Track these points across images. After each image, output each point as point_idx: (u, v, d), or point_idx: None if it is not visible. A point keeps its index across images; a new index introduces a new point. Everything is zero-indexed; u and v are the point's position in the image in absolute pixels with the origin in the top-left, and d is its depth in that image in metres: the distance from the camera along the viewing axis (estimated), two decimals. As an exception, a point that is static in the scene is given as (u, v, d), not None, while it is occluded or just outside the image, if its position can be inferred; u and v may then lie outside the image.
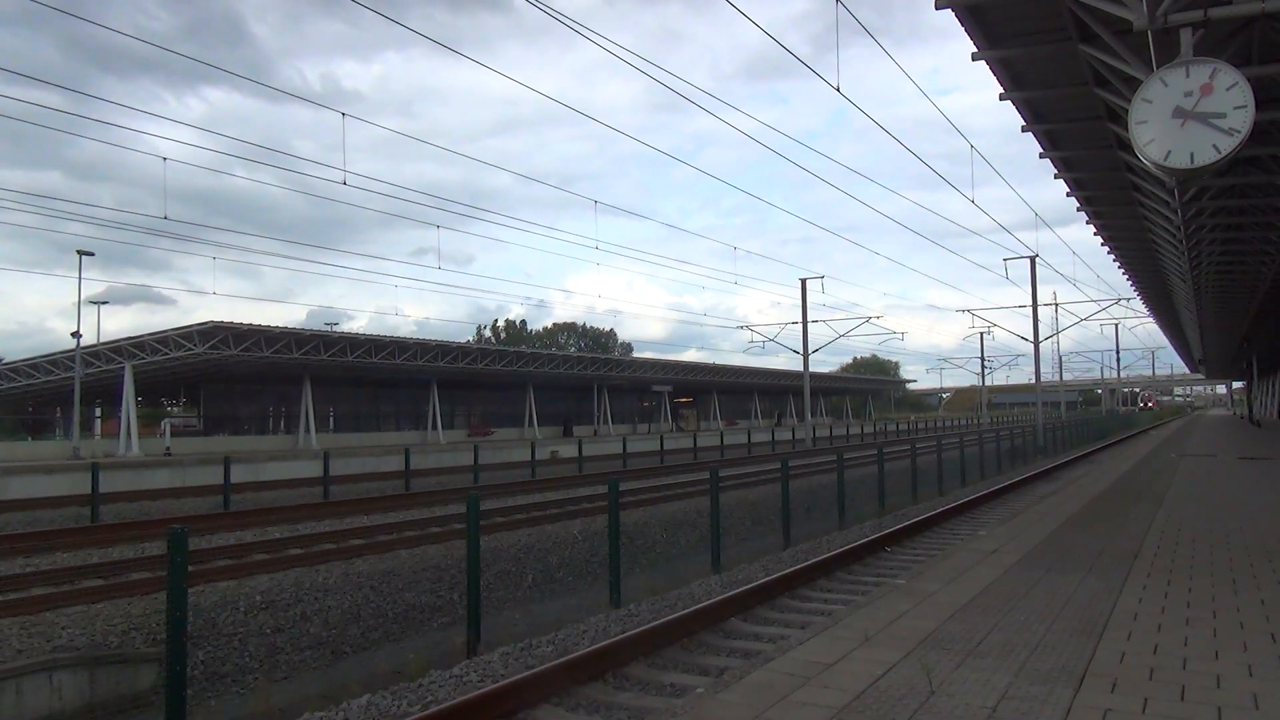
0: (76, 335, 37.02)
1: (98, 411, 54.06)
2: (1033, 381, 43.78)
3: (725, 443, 43.56)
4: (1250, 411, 66.48)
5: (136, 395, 40.14)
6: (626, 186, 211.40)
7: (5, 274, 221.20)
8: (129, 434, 37.82)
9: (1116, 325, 66.31)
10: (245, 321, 37.66)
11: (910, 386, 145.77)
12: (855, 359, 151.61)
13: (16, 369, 47.09)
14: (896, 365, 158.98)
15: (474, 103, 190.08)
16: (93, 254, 37.21)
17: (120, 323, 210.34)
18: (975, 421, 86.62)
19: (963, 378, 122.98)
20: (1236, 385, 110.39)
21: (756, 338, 49.09)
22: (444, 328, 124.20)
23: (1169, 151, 6.71)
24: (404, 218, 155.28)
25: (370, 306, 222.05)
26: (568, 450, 37.06)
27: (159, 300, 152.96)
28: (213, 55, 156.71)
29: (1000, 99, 12.01)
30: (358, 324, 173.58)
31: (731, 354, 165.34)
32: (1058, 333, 54.62)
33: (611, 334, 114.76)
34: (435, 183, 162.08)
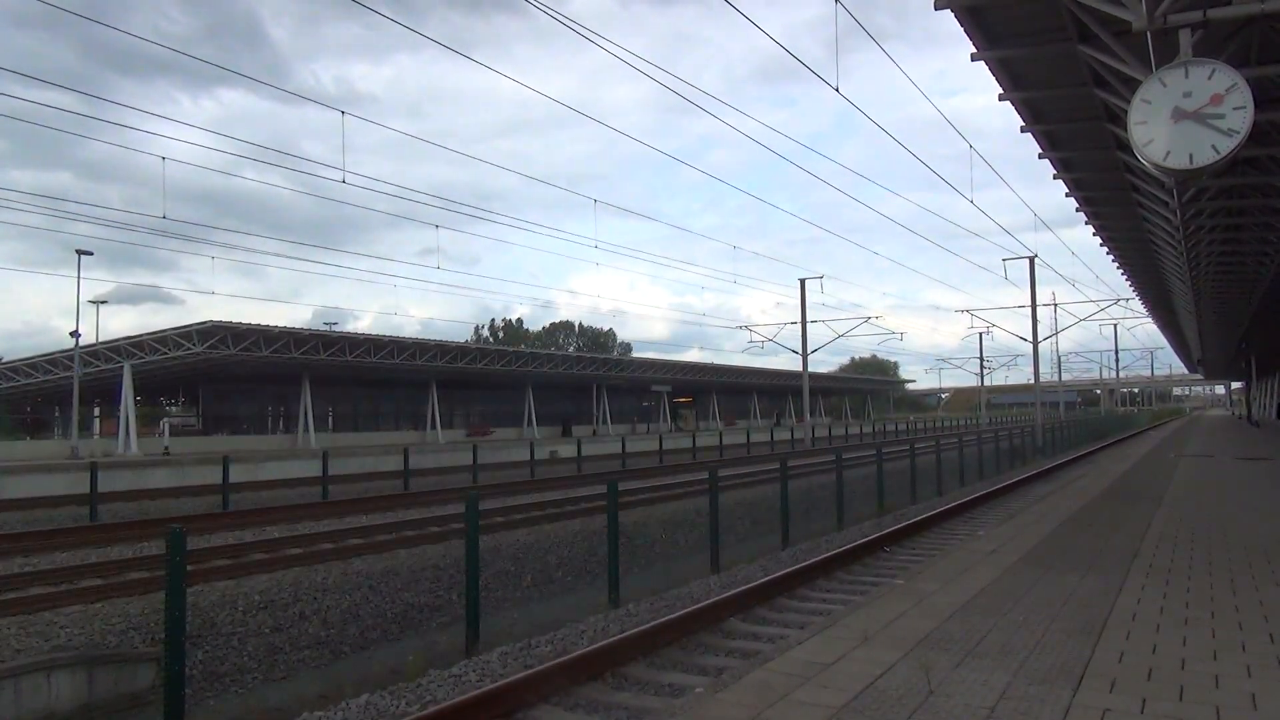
0: (75, 335, 37.03)
1: (96, 411, 54.05)
2: (1032, 382, 43.81)
3: (724, 443, 43.58)
4: (1249, 412, 66.52)
5: (135, 395, 40.13)
6: (633, 188, 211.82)
7: (11, 274, 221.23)
8: (128, 433, 37.80)
9: (1115, 326, 66.46)
10: (245, 321, 37.69)
11: (909, 387, 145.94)
12: (855, 359, 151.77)
13: (15, 368, 47.06)
14: (896, 365, 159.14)
15: (485, 104, 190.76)
16: (91, 254, 37.13)
17: (128, 322, 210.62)
18: (974, 422, 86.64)
19: (962, 378, 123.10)
20: (1236, 385, 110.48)
21: (756, 338, 49.13)
22: (448, 328, 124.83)
23: (1168, 152, 6.71)
24: (409, 218, 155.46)
25: (375, 306, 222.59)
26: (567, 450, 37.06)
27: (167, 300, 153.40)
28: (231, 57, 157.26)
29: (1000, 99, 12.01)
30: (362, 324, 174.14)
31: (733, 354, 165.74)
32: (1056, 333, 54.68)
33: (610, 333, 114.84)
34: (443, 184, 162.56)
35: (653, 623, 7.69)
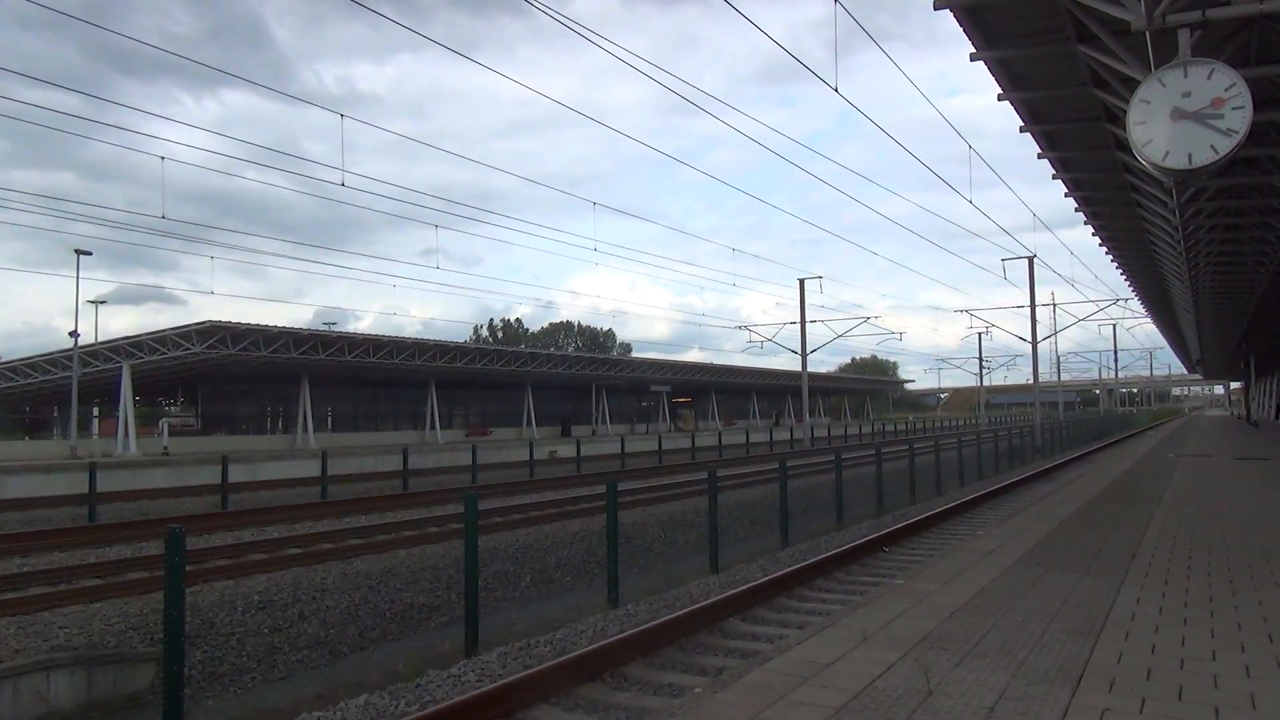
0: (74, 335, 37.01)
1: (96, 411, 54.00)
2: (1031, 382, 43.83)
3: (723, 443, 43.59)
4: (1248, 412, 66.55)
5: (134, 395, 40.10)
6: (634, 188, 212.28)
7: (14, 274, 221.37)
8: (127, 433, 37.77)
9: (1114, 326, 66.61)
10: (244, 321, 37.67)
11: (909, 387, 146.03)
12: (854, 359, 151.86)
13: (14, 368, 47.01)
14: (895, 365, 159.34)
15: (487, 104, 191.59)
16: (90, 253, 37.12)
17: (130, 322, 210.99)
18: (974, 422, 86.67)
19: (961, 378, 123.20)
20: (1234, 385, 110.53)
21: (756, 338, 49.13)
22: (448, 328, 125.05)
23: (1167, 152, 6.71)
24: (410, 219, 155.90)
25: (376, 307, 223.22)
26: (566, 450, 37.05)
27: (169, 300, 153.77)
28: (235, 58, 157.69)
29: (999, 99, 12.01)
30: (363, 324, 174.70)
31: (734, 354, 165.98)
32: (1055, 333, 54.70)
33: (610, 334, 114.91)
34: (444, 184, 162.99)
35: (652, 623, 7.69)
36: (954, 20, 9.87)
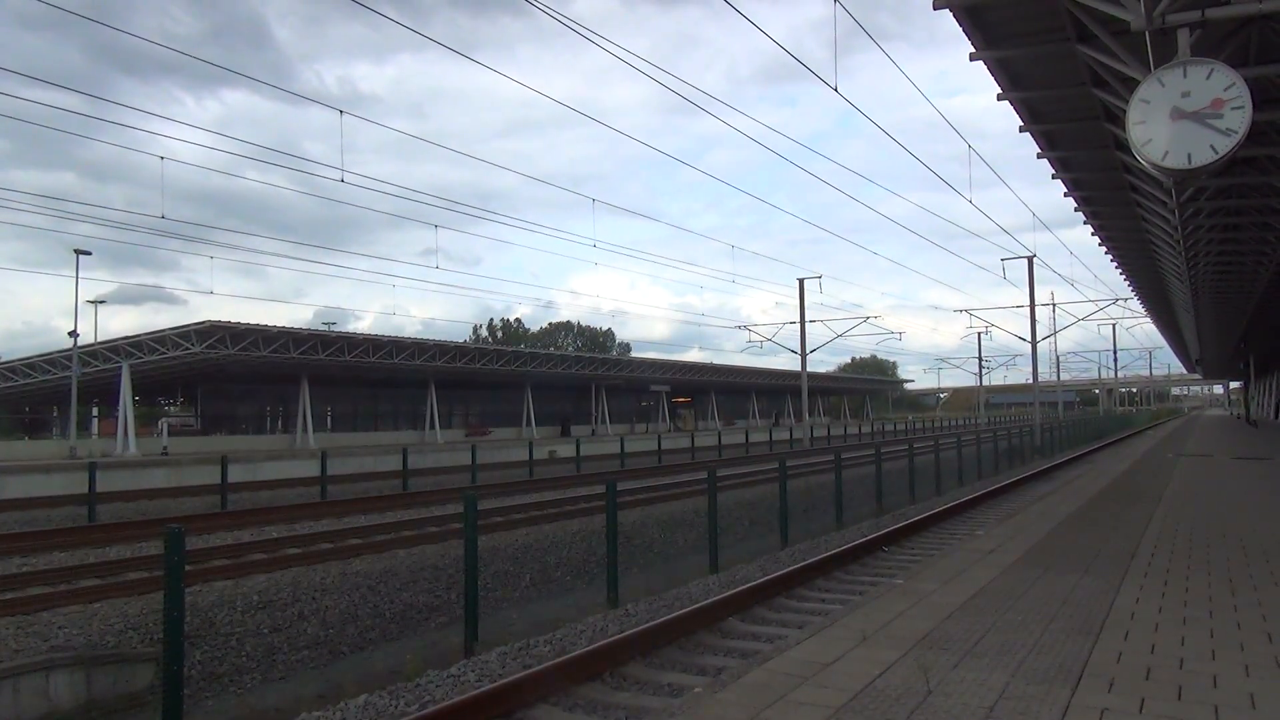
0: (73, 335, 37.01)
1: (95, 411, 53.98)
2: (1030, 381, 43.85)
3: (723, 443, 43.59)
4: (1247, 412, 66.57)
5: (134, 395, 40.09)
6: (634, 188, 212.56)
7: (14, 274, 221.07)
8: (126, 433, 37.76)
9: (1114, 326, 66.57)
10: (243, 321, 37.67)
11: (908, 386, 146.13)
12: (854, 359, 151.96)
13: (14, 368, 47.00)
14: (895, 365, 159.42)
15: (488, 104, 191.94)
16: (90, 253, 37.14)
17: (130, 322, 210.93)
18: (974, 421, 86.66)
19: (961, 378, 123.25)
20: (1234, 385, 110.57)
21: (755, 337, 49.13)
22: (449, 328, 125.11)
23: (1166, 152, 6.71)
24: (410, 218, 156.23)
25: (376, 307, 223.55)
26: (565, 450, 37.06)
27: (170, 300, 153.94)
28: (236, 58, 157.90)
29: (998, 99, 12.00)
30: (363, 324, 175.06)
31: (734, 354, 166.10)
32: (1055, 333, 54.67)
33: (609, 333, 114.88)
34: (444, 184, 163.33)
35: (651, 623, 7.69)
36: (954, 20, 9.87)
